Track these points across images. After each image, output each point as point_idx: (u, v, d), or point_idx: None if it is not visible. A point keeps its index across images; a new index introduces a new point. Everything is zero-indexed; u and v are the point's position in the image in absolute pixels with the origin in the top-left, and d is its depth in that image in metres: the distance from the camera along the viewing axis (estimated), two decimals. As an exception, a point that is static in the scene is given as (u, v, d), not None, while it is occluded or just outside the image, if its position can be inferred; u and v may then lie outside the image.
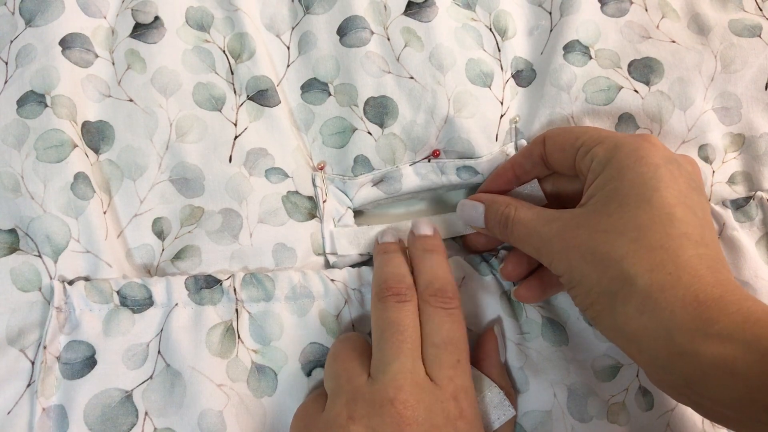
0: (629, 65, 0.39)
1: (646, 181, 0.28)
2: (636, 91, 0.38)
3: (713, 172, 0.38)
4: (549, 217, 0.31)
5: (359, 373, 0.30)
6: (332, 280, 0.35)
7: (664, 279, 0.26)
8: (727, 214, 0.36)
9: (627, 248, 0.27)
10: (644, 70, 0.38)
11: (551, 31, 0.40)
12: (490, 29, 0.40)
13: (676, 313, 0.26)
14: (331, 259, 0.37)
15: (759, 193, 0.37)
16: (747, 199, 0.36)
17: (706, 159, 0.38)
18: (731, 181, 0.38)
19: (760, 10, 0.40)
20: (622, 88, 0.38)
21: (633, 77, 0.38)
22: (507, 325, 0.35)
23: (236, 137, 0.37)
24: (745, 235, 0.36)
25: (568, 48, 0.39)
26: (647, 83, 0.38)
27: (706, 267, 0.26)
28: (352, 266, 0.37)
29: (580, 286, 0.29)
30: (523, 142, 0.38)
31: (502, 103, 0.38)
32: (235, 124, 0.37)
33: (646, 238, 0.27)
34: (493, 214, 0.34)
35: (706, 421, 0.34)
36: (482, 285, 0.36)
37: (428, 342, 0.31)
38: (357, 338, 0.33)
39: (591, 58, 0.39)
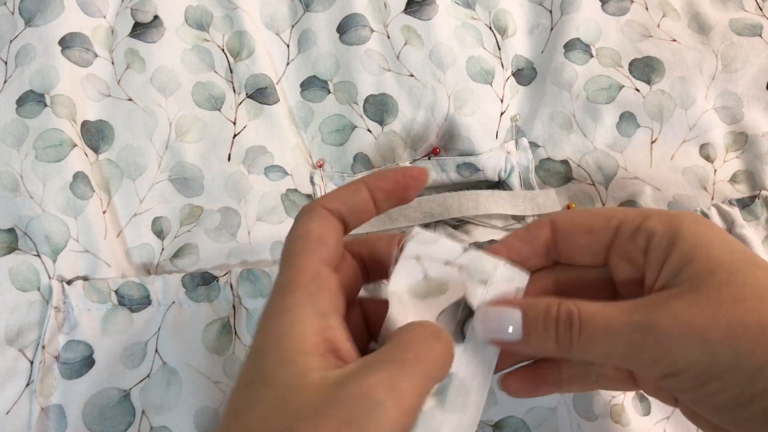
0: (630, 64, 0.38)
1: (734, 251, 0.23)
2: (637, 90, 0.38)
3: (715, 171, 0.38)
4: (634, 305, 0.23)
5: None
6: None
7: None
8: (735, 213, 0.36)
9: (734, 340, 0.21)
10: (645, 69, 0.38)
11: (552, 29, 0.40)
12: (490, 28, 0.40)
13: None
14: None
15: (764, 192, 0.36)
16: (752, 198, 0.36)
17: (708, 158, 0.38)
18: (733, 179, 0.38)
19: (761, 9, 0.40)
20: (623, 86, 0.38)
21: (634, 76, 0.38)
22: None
23: (235, 135, 0.37)
24: (753, 234, 0.36)
25: (569, 46, 0.39)
26: (648, 82, 0.38)
27: None
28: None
29: (733, 373, 0.22)
30: (524, 141, 0.38)
31: (502, 101, 0.38)
32: (234, 123, 0.37)
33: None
34: (540, 320, 0.24)
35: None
36: None
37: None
38: None
39: (592, 56, 0.39)
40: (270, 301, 0.23)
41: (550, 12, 0.40)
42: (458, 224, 0.39)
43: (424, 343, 0.22)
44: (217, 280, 0.34)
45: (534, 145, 0.38)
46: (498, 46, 0.39)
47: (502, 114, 0.38)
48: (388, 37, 0.39)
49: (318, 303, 0.22)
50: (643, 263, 0.25)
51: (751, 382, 0.21)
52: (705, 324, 0.22)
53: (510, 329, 0.24)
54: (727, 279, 0.22)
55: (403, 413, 0.20)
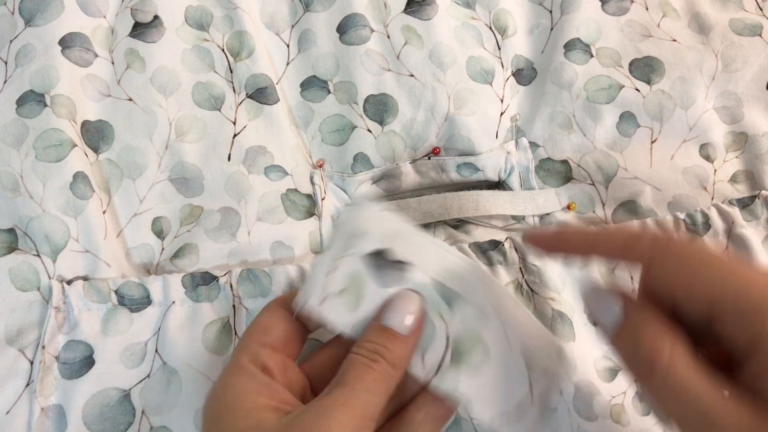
0: (630, 64, 0.38)
1: None
2: (637, 89, 0.38)
3: (715, 171, 0.38)
4: (720, 384, 0.21)
5: None
6: None
7: None
8: (735, 212, 0.36)
9: None
10: (645, 69, 0.38)
11: (552, 29, 0.40)
12: (490, 28, 0.40)
13: None
14: None
15: (764, 192, 0.36)
16: (752, 198, 0.36)
17: (708, 158, 0.38)
18: (733, 179, 0.38)
19: (761, 9, 0.40)
20: (624, 86, 0.38)
21: (634, 76, 0.38)
22: None
23: (235, 136, 0.37)
24: (753, 234, 0.36)
25: (569, 46, 0.39)
26: (648, 82, 0.38)
27: None
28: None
29: None
30: (524, 141, 0.38)
31: (502, 101, 0.38)
32: (234, 123, 0.37)
33: None
34: (633, 340, 0.23)
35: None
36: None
37: None
38: None
39: (592, 56, 0.39)
40: (217, 382, 0.27)
41: (550, 12, 0.40)
42: (458, 224, 0.39)
43: (358, 369, 0.26)
44: (217, 280, 0.34)
45: (534, 145, 0.38)
46: (498, 46, 0.39)
47: (502, 114, 0.38)
48: (388, 37, 0.39)
49: (258, 375, 0.26)
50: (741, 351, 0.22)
51: None
52: None
53: (610, 319, 0.24)
54: None
55: None
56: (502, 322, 0.29)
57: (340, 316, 0.28)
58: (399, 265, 0.29)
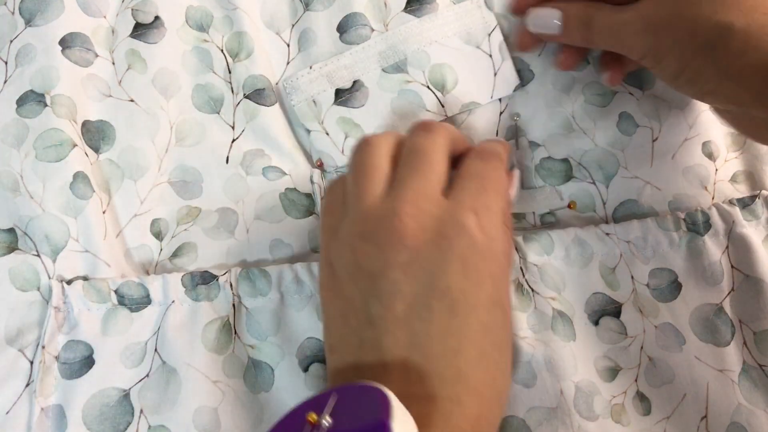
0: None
1: None
2: (631, 93, 0.38)
3: (716, 170, 0.37)
4: (625, 6, 0.32)
5: (372, 192, 0.29)
6: None
7: (760, 19, 0.28)
8: (736, 212, 0.36)
9: (715, 3, 0.29)
10: (636, 76, 0.38)
11: None
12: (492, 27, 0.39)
13: None
14: None
15: (764, 191, 0.36)
16: (752, 198, 0.36)
17: (710, 156, 0.38)
18: (733, 179, 0.38)
19: None
20: (617, 92, 0.38)
21: (626, 82, 0.38)
22: (513, 320, 0.35)
23: (234, 140, 0.37)
24: (753, 233, 0.36)
25: None
26: (641, 88, 0.38)
27: None
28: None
29: (671, 53, 0.31)
30: (524, 140, 0.38)
31: (500, 101, 0.38)
32: (233, 127, 0.37)
33: None
34: (572, 17, 0.34)
35: (702, 429, 0.34)
36: None
37: (456, 175, 0.30)
38: (387, 145, 0.31)
39: (588, 63, 0.39)
40: None
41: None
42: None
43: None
44: (217, 279, 0.34)
45: (534, 144, 0.38)
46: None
47: (501, 113, 0.38)
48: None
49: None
50: None
51: (693, 57, 0.30)
52: (660, 18, 0.31)
53: (554, 22, 0.35)
54: None
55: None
56: None
57: None
58: None
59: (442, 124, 0.31)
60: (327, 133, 0.37)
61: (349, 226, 0.29)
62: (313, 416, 0.23)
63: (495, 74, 0.37)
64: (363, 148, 0.31)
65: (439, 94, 0.37)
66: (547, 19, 0.35)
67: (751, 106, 0.30)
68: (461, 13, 0.37)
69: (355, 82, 0.37)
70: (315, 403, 0.24)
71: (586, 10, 0.34)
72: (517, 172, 0.35)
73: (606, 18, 0.33)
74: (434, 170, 0.29)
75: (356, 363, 0.28)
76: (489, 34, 0.37)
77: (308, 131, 0.37)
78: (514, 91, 0.37)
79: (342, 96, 0.37)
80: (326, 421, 0.23)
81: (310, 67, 0.37)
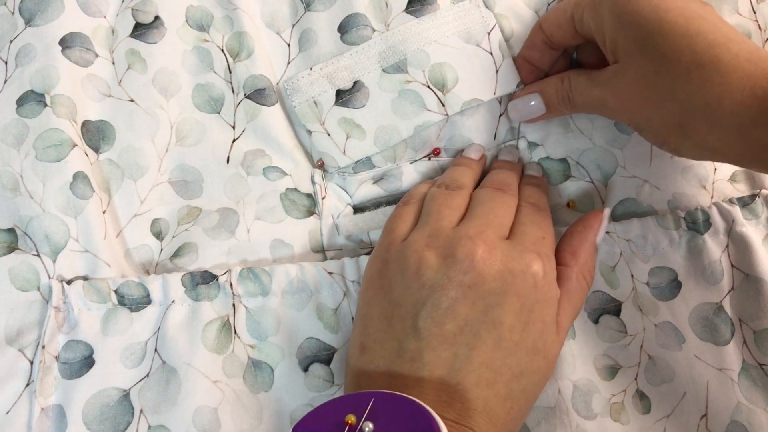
0: None
1: (648, 17, 0.29)
2: None
3: (715, 169, 0.38)
4: (598, 80, 0.32)
5: (450, 218, 0.31)
6: (330, 273, 0.35)
7: (716, 92, 0.27)
8: (736, 211, 0.36)
9: (670, 83, 0.29)
10: None
11: None
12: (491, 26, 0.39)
13: (743, 116, 0.27)
14: (329, 255, 0.37)
15: (764, 191, 0.36)
16: (752, 197, 0.36)
17: (709, 155, 0.38)
18: (732, 179, 0.38)
19: (754, 13, 0.39)
20: None
21: None
22: None
23: (234, 140, 0.37)
24: (753, 233, 0.36)
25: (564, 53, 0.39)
26: None
27: (747, 61, 0.27)
28: (351, 257, 0.37)
29: (649, 129, 0.31)
30: (523, 141, 0.38)
31: (500, 103, 0.38)
32: (233, 127, 0.37)
33: (680, 65, 0.28)
34: (552, 97, 0.35)
35: (702, 428, 0.34)
36: None
37: (516, 223, 0.32)
38: (465, 193, 0.34)
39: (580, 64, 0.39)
40: None
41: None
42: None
43: None
44: (217, 279, 0.34)
45: (533, 145, 0.38)
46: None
47: (501, 115, 0.38)
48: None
49: None
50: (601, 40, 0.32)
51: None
52: (629, 100, 0.31)
53: (533, 105, 0.36)
54: (640, 57, 0.29)
55: None
56: None
57: None
58: None
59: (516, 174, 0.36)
60: (328, 134, 0.37)
61: (420, 235, 0.30)
62: (351, 418, 0.24)
63: (497, 71, 0.37)
64: (459, 163, 0.36)
65: (439, 93, 0.37)
66: (527, 106, 0.36)
67: (748, 164, 0.30)
68: (460, 13, 0.37)
69: (355, 82, 0.37)
70: (353, 404, 0.25)
71: (563, 85, 0.34)
72: (607, 212, 0.35)
73: (583, 94, 0.33)
74: (505, 214, 0.32)
75: (390, 370, 0.28)
76: (489, 33, 0.37)
77: (309, 132, 0.37)
78: (516, 88, 0.37)
79: (343, 97, 0.37)
80: (368, 427, 0.24)
81: (311, 69, 0.37)
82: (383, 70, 0.37)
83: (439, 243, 0.29)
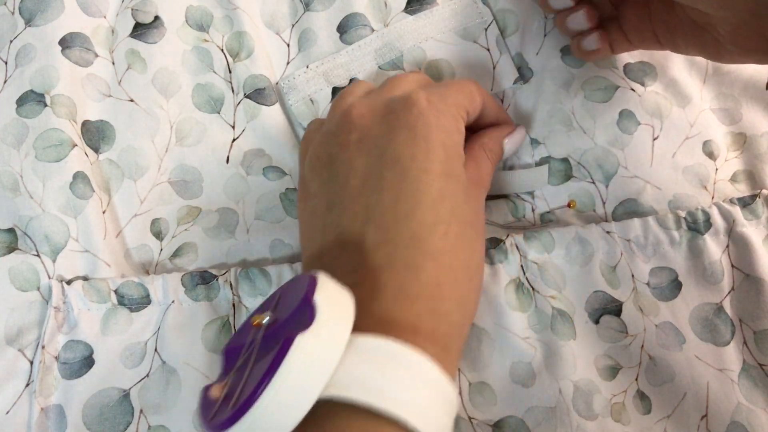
0: (624, 66, 0.38)
1: None
2: (633, 89, 0.38)
3: (716, 169, 0.38)
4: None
5: (350, 98, 0.31)
6: None
7: None
8: (736, 211, 0.36)
9: None
10: (638, 72, 0.38)
11: (545, 35, 0.40)
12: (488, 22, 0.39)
13: None
14: None
15: (765, 191, 0.36)
16: (753, 197, 0.36)
17: (711, 155, 0.38)
18: (734, 179, 0.38)
19: None
20: (619, 87, 0.38)
21: (629, 77, 0.38)
22: (513, 320, 0.35)
23: (234, 140, 0.37)
24: (753, 233, 0.36)
25: (566, 50, 0.39)
26: (642, 84, 0.38)
27: None
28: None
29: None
30: (526, 137, 0.38)
31: (501, 100, 0.38)
32: (233, 127, 0.37)
33: None
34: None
35: (702, 428, 0.34)
36: (486, 273, 0.36)
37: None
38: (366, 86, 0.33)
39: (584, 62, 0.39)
40: None
41: (545, 17, 0.40)
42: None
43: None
44: (217, 279, 0.34)
45: (535, 142, 0.38)
46: (504, 43, 0.39)
47: (501, 113, 0.38)
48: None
49: None
50: None
51: None
52: None
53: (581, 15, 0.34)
54: None
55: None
56: None
57: None
58: None
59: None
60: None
61: (317, 135, 0.31)
62: (255, 319, 0.24)
63: (494, 68, 0.37)
64: (345, 89, 0.33)
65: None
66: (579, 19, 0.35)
67: None
68: (457, 9, 0.37)
69: (351, 79, 0.37)
70: (262, 307, 0.25)
71: None
72: (522, 128, 0.35)
73: None
74: (398, 85, 0.31)
75: (320, 250, 0.28)
76: (485, 29, 0.37)
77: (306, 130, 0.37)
78: (513, 84, 0.37)
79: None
80: (267, 318, 0.23)
81: (307, 67, 0.37)
82: (379, 67, 0.37)
83: (327, 127, 0.30)
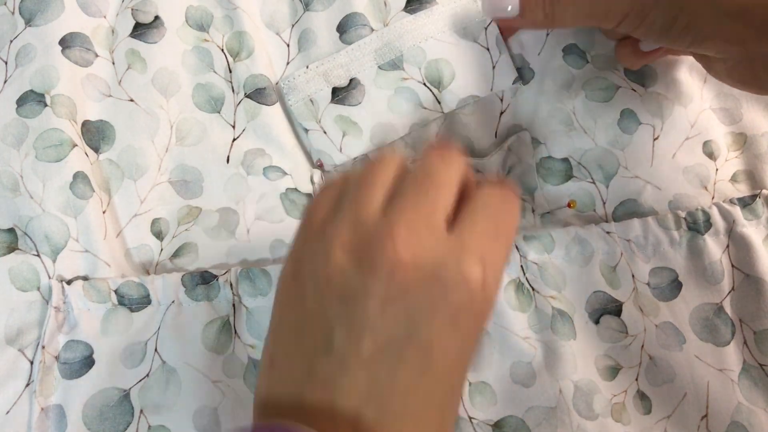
0: (625, 67, 0.38)
1: None
2: (634, 90, 0.38)
3: (716, 169, 0.38)
4: None
5: (371, 198, 0.25)
6: None
7: None
8: (736, 211, 0.36)
9: None
10: (639, 73, 0.38)
11: (547, 35, 0.40)
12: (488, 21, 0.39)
13: None
14: None
15: (765, 191, 0.36)
16: (753, 197, 0.36)
17: (711, 155, 0.38)
18: (734, 179, 0.38)
19: None
20: (620, 87, 0.38)
21: (630, 78, 0.38)
22: (513, 320, 0.35)
23: (234, 140, 0.37)
24: (753, 233, 0.36)
25: (567, 51, 0.39)
26: (643, 85, 0.38)
27: None
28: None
29: (658, 3, 0.30)
30: (527, 135, 0.38)
31: (502, 101, 0.38)
32: (234, 127, 0.37)
33: None
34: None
35: (702, 428, 0.34)
36: None
37: (465, 209, 0.25)
38: (394, 164, 0.26)
39: (588, 62, 0.38)
40: None
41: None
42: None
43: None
44: (217, 279, 0.34)
45: (536, 142, 0.38)
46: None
47: (502, 113, 0.38)
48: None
49: None
50: None
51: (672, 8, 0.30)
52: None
53: (509, 8, 0.33)
54: None
55: None
56: None
57: None
58: None
59: (458, 152, 0.26)
60: (325, 132, 0.37)
61: (334, 229, 0.24)
62: None
63: (494, 67, 0.37)
64: (378, 158, 0.27)
65: (435, 91, 0.37)
66: (501, 2, 0.33)
67: (754, 42, 0.29)
68: (456, 9, 0.37)
69: (351, 80, 0.37)
70: None
71: None
72: None
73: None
74: (442, 194, 0.24)
75: (299, 395, 0.23)
76: (485, 28, 0.37)
77: (306, 130, 0.37)
78: (513, 84, 0.37)
79: (339, 94, 0.37)
80: None
81: (307, 67, 0.37)
82: (379, 68, 0.37)
83: (356, 238, 0.24)
